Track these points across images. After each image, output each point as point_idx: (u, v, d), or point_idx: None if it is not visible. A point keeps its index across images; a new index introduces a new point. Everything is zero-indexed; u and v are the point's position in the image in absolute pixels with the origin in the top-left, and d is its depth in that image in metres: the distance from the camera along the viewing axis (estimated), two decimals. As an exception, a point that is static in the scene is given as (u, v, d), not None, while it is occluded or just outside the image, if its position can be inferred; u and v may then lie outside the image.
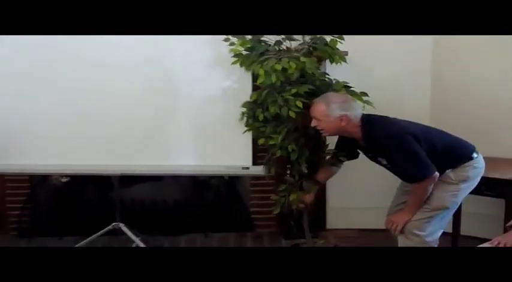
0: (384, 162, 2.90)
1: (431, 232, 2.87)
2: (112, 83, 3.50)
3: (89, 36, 3.35)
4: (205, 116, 3.53)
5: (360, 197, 4.13)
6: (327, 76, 3.30)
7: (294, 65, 3.05)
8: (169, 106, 3.56)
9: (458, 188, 2.86)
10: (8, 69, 3.54)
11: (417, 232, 2.84)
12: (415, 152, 2.73)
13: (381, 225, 3.79)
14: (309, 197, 3.35)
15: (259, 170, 3.51)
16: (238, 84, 3.46)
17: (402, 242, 2.93)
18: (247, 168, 3.52)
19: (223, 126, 3.52)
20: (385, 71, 3.87)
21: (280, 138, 3.14)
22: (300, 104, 3.02)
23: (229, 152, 3.56)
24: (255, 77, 3.33)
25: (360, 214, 4.21)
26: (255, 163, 3.52)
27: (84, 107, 3.52)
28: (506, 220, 3.09)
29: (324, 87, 3.15)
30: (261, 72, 3.07)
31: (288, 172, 3.46)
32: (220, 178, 4.36)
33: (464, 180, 2.85)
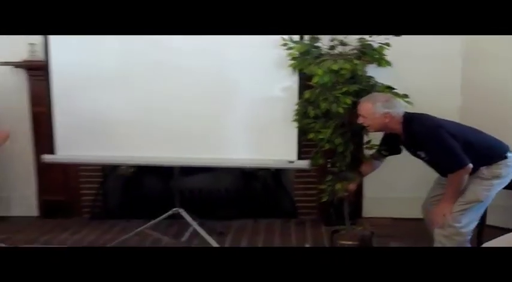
0: (423, 155, 2.88)
1: (467, 223, 2.82)
2: (176, 82, 3.51)
3: (157, 39, 3.41)
4: (256, 114, 3.50)
5: (393, 187, 4.08)
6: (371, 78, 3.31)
7: (348, 66, 3.08)
8: (225, 105, 3.54)
9: (491, 184, 2.82)
10: (85, 71, 3.57)
11: (453, 223, 2.80)
12: (450, 145, 2.72)
13: (413, 214, 3.73)
14: (352, 187, 3.33)
15: (303, 163, 3.46)
16: (286, 85, 3.42)
17: (438, 233, 2.88)
18: (293, 162, 3.46)
19: (272, 123, 3.49)
20: (416, 73, 3.83)
21: (329, 132, 3.15)
22: (348, 101, 3.04)
23: (276, 147, 3.50)
24: (305, 78, 3.34)
25: (393, 204, 4.17)
26: (299, 158, 3.46)
27: (150, 105, 3.54)
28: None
29: (368, 88, 3.16)
30: (319, 72, 3.08)
31: (332, 164, 3.41)
32: (267, 170, 4.35)
33: (497, 177, 2.81)
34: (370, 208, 4.23)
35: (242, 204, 4.45)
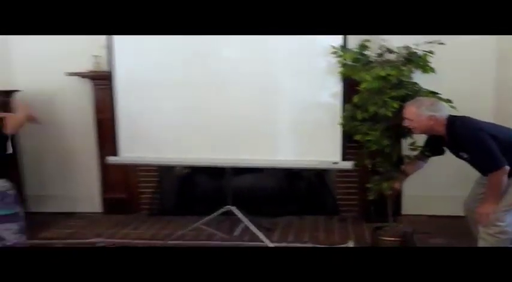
0: (465, 156, 2.84)
1: (510, 222, 2.76)
2: (229, 89, 3.52)
3: (210, 49, 3.47)
4: (302, 119, 3.49)
5: (431, 186, 4.01)
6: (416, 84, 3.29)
7: (395, 73, 3.09)
8: (273, 110, 3.54)
9: None
10: (145, 80, 3.62)
11: (498, 223, 2.73)
12: (489, 147, 2.67)
13: (448, 212, 3.78)
14: (397, 186, 3.31)
15: (347, 164, 3.45)
16: (331, 91, 3.40)
17: (482, 231, 2.81)
18: (337, 163, 3.45)
19: (317, 127, 3.47)
20: (453, 77, 3.74)
21: (377, 134, 3.15)
22: (396, 105, 3.05)
23: (321, 149, 3.49)
24: (349, 84, 3.34)
25: (430, 202, 4.12)
26: (343, 159, 3.45)
27: (205, 110, 3.56)
28: None
29: (413, 93, 3.14)
30: (368, 78, 3.10)
31: (377, 164, 3.39)
32: (311, 170, 4.30)
33: None
34: (409, 206, 4.17)
35: (288, 202, 4.43)
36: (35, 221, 4.08)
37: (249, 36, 3.40)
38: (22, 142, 4.16)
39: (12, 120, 2.71)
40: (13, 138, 3.76)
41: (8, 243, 2.68)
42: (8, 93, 3.99)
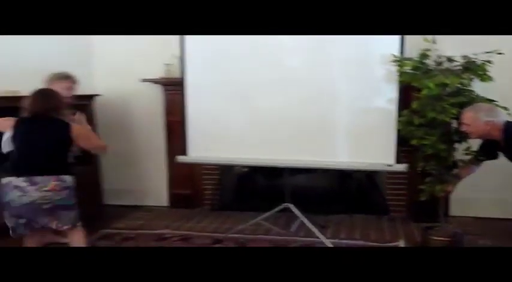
0: None
1: None
2: (289, 94, 3.51)
3: (272, 57, 3.48)
4: (358, 123, 3.46)
5: (478, 188, 3.92)
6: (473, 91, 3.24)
7: (456, 80, 3.07)
8: (330, 114, 3.51)
9: None
10: (212, 86, 3.66)
11: None
12: None
13: (495, 214, 3.73)
14: (450, 188, 3.28)
15: (401, 167, 3.39)
16: (386, 97, 3.36)
17: None
18: (391, 165, 3.38)
19: (371, 131, 3.43)
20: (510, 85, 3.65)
21: (433, 139, 3.11)
22: (455, 111, 3.01)
23: (375, 151, 3.44)
24: (408, 90, 3.34)
25: (477, 204, 4.05)
26: (398, 161, 3.38)
27: (265, 114, 3.58)
28: None
29: (471, 100, 3.10)
30: (431, 85, 3.06)
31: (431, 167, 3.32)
32: (362, 171, 4.27)
33: None
34: (456, 207, 4.09)
35: (339, 201, 4.41)
36: (109, 213, 4.31)
37: (311, 44, 3.43)
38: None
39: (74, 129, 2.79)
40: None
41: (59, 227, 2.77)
42: (90, 98, 4.09)
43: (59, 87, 3.19)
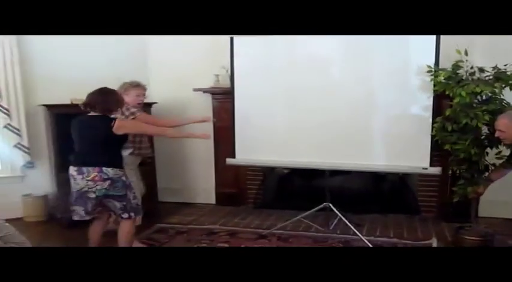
0: None
1: None
2: (329, 103, 3.49)
3: (314, 67, 3.45)
4: (395, 129, 3.44)
5: (506, 191, 3.78)
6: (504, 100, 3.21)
7: (488, 89, 3.03)
8: (369, 120, 3.49)
9: None
10: (257, 95, 3.65)
11: None
12: None
13: None
14: (482, 190, 3.22)
15: (436, 170, 3.37)
16: (421, 105, 3.34)
17: None
18: (426, 168, 3.37)
19: (407, 136, 3.41)
20: None
21: (465, 143, 3.08)
22: (487, 118, 2.98)
23: (411, 155, 3.41)
24: (441, 98, 3.33)
25: (506, 206, 3.95)
26: (432, 165, 3.36)
27: (306, 120, 3.55)
28: None
29: (502, 107, 3.07)
30: (463, 93, 3.03)
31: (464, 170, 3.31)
32: (395, 174, 4.21)
33: None
34: (485, 209, 3.99)
35: (374, 201, 4.37)
36: (163, 209, 4.39)
37: (353, 55, 3.46)
38: (156, 145, 4.37)
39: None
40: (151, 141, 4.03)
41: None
42: (148, 105, 4.12)
43: (132, 94, 3.34)
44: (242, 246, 3.49)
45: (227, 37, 3.66)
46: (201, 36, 4.40)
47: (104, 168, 2.71)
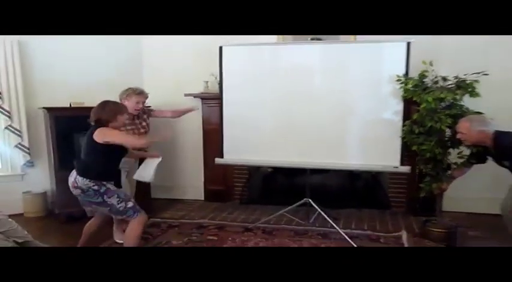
0: (507, 164, 2.78)
1: None
2: (310, 108, 3.46)
3: (296, 77, 3.41)
4: (369, 132, 3.44)
5: (467, 188, 3.88)
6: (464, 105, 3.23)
7: (450, 95, 3.10)
8: (345, 124, 3.47)
9: None
10: (243, 99, 3.60)
11: None
12: None
13: (484, 210, 3.69)
14: (445, 186, 3.25)
15: (405, 168, 3.38)
16: (392, 110, 3.35)
17: None
18: (397, 167, 3.38)
19: (380, 138, 3.41)
20: (493, 99, 3.51)
21: (431, 144, 3.12)
22: (450, 121, 3.04)
23: (383, 156, 3.41)
24: (410, 104, 3.34)
25: (467, 201, 4.03)
26: (402, 164, 3.37)
27: (288, 123, 3.53)
28: None
29: (462, 112, 3.11)
30: (429, 99, 3.08)
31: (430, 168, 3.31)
32: (368, 172, 4.24)
33: None
34: (448, 203, 4.06)
35: (349, 197, 4.39)
36: (156, 205, 4.36)
37: (332, 65, 3.44)
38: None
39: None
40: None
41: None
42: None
43: (133, 101, 3.31)
44: (229, 238, 3.48)
45: (217, 46, 3.63)
46: (191, 46, 4.46)
47: (78, 177, 2.64)
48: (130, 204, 2.72)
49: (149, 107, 3.82)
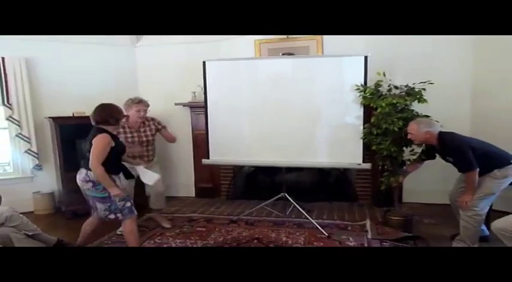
0: (451, 160, 2.83)
1: (482, 208, 2.75)
2: (285, 112, 3.47)
3: (274, 85, 3.41)
4: (335, 133, 3.47)
5: (424, 181, 3.96)
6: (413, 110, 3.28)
7: (401, 101, 3.16)
8: (315, 127, 3.49)
9: (501, 182, 2.73)
10: (227, 107, 3.58)
11: (474, 208, 2.73)
12: (467, 154, 2.67)
13: (437, 200, 3.69)
14: (401, 180, 3.28)
15: (366, 165, 3.45)
16: (355, 115, 3.39)
17: (463, 214, 2.79)
18: (360, 164, 3.44)
19: (345, 139, 3.44)
20: (439, 104, 3.50)
21: (387, 143, 3.18)
22: (401, 123, 3.09)
23: (348, 154, 3.45)
24: (370, 109, 3.35)
25: (423, 193, 4.09)
26: (363, 161, 3.43)
27: (267, 126, 3.54)
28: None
29: (412, 116, 3.17)
30: (384, 104, 3.14)
31: (387, 165, 3.37)
32: (338, 169, 4.30)
33: (505, 177, 2.72)
34: (407, 195, 4.15)
35: (321, 192, 4.41)
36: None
37: (303, 75, 3.44)
38: None
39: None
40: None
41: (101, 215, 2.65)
42: None
43: (133, 110, 3.20)
44: (216, 229, 3.49)
45: (201, 61, 3.64)
46: (181, 60, 4.47)
47: (88, 172, 2.57)
48: (128, 204, 2.68)
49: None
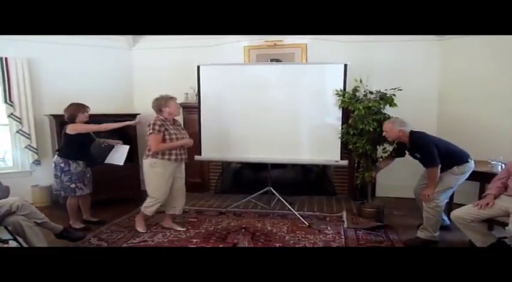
0: (418, 156, 2.92)
1: (443, 200, 2.87)
2: (270, 113, 3.55)
3: (261, 91, 3.49)
4: (315, 133, 3.57)
5: (395, 177, 4.09)
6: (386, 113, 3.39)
7: (376, 105, 3.29)
8: (297, 127, 3.57)
9: (459, 177, 2.86)
10: (218, 108, 3.65)
11: (435, 200, 2.85)
12: (432, 152, 2.78)
13: (407, 195, 3.74)
14: (374, 175, 3.45)
15: (344, 162, 3.56)
16: (334, 116, 3.50)
17: (425, 206, 2.88)
18: (338, 161, 3.54)
19: (324, 138, 3.54)
20: (408, 108, 3.65)
21: (363, 142, 3.30)
22: (376, 124, 3.22)
23: (327, 152, 3.54)
24: (348, 111, 3.45)
25: (395, 188, 4.25)
26: (341, 159, 3.53)
27: (253, 126, 3.62)
28: (480, 194, 3.13)
29: (385, 117, 3.29)
30: (360, 107, 3.26)
31: (362, 161, 3.49)
32: (318, 166, 4.43)
33: (463, 173, 2.86)
34: (381, 190, 4.32)
35: (302, 186, 4.51)
36: (145, 196, 4.01)
37: (288, 81, 3.52)
38: (141, 146, 4.25)
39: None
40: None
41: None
42: (133, 116, 4.18)
43: (173, 102, 3.11)
44: (207, 220, 3.56)
45: (194, 65, 3.71)
46: (174, 64, 4.53)
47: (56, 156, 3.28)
48: (72, 185, 3.26)
49: (139, 113, 3.80)
